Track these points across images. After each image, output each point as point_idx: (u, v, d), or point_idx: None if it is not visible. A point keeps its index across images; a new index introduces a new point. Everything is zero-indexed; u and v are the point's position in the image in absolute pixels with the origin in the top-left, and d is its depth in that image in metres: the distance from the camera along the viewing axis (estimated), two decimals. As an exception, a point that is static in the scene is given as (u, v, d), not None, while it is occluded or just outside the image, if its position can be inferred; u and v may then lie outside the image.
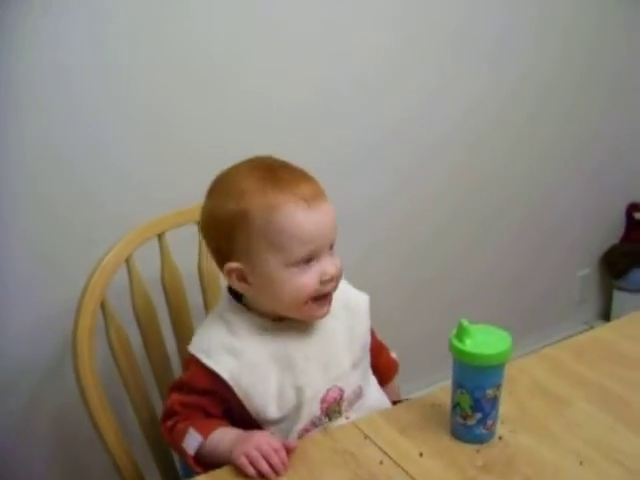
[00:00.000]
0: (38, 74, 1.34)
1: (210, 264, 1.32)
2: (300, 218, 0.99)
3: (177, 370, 1.28)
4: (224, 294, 1.11)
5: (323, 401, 1.07)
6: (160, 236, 1.27)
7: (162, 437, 1.08)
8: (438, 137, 1.96)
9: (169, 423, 1.05)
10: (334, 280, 1.03)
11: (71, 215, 1.43)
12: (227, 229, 1.02)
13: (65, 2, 1.33)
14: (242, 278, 1.03)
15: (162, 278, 1.28)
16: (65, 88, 1.37)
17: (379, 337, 1.24)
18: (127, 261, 1.21)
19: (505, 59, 2.03)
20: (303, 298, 1.02)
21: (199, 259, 1.33)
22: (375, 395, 1.16)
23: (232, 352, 1.03)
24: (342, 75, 1.74)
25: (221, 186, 1.05)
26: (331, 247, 1.04)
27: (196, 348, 1.05)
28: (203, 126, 1.55)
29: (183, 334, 1.30)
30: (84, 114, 1.40)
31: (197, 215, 1.28)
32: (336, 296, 1.08)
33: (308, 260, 1.01)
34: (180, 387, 1.06)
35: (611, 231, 2.53)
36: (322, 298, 1.04)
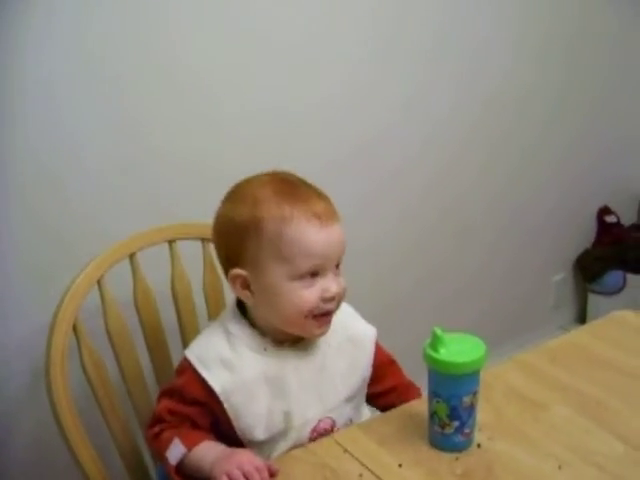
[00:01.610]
0: (24, 88, 1.34)
1: (184, 283, 1.32)
2: (310, 233, 1.00)
3: (152, 389, 1.27)
4: (230, 306, 1.11)
5: (314, 431, 1.07)
6: (131, 256, 1.26)
7: (147, 443, 1.09)
8: (413, 150, 1.98)
9: (156, 429, 1.05)
10: (336, 299, 1.03)
11: (58, 228, 1.43)
12: (238, 235, 1.02)
13: (49, 15, 1.33)
14: (246, 286, 1.04)
15: (135, 298, 1.27)
16: (51, 104, 1.37)
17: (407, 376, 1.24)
18: (99, 282, 1.20)
19: (483, 68, 2.06)
20: (302, 313, 1.01)
21: (172, 278, 1.32)
22: None
23: (228, 366, 1.03)
24: (320, 85, 1.75)
25: (237, 192, 1.06)
26: (337, 266, 1.04)
27: (193, 355, 1.05)
28: (188, 141, 1.56)
29: (157, 353, 1.29)
30: (68, 128, 1.40)
31: (168, 234, 1.29)
32: (343, 327, 1.10)
33: (312, 275, 1.01)
34: (171, 393, 1.06)
35: (583, 235, 2.55)
36: (322, 316, 1.03)
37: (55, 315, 1.14)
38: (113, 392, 1.22)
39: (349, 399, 1.11)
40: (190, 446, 1.00)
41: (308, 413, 1.06)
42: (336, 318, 1.08)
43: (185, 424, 1.04)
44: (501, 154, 2.20)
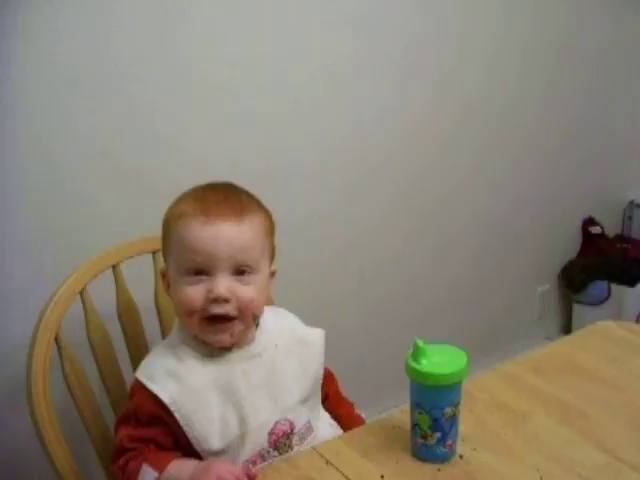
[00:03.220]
0: (7, 108, 1.35)
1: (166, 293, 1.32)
2: (193, 229, 1.00)
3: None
4: (176, 320, 1.10)
5: (271, 433, 1.05)
6: (114, 267, 1.25)
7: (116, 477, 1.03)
8: (392, 156, 1.99)
9: (121, 462, 1.00)
10: (225, 303, 1.00)
11: (44, 238, 1.44)
12: (163, 231, 1.07)
13: (26, 42, 1.34)
14: (168, 283, 1.06)
15: (118, 309, 1.27)
16: (33, 122, 1.38)
17: (341, 389, 1.24)
18: (81, 294, 1.20)
19: (464, 76, 2.09)
20: (188, 311, 1.00)
21: (155, 289, 1.31)
22: (327, 430, 1.14)
23: (175, 376, 1.01)
24: (292, 83, 1.77)
25: None
26: (239, 272, 1.01)
27: (141, 374, 1.03)
28: (169, 157, 1.57)
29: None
30: (49, 144, 1.42)
31: (151, 245, 1.29)
32: (290, 329, 1.11)
33: (197, 273, 1.00)
34: (127, 419, 1.02)
35: (568, 246, 2.57)
36: (215, 322, 1.01)
37: (37, 326, 1.13)
38: (95, 402, 1.21)
39: (304, 400, 1.09)
40: (160, 468, 0.97)
41: (262, 416, 1.04)
42: (282, 322, 1.11)
43: (149, 447, 1.00)
44: (485, 165, 2.22)
